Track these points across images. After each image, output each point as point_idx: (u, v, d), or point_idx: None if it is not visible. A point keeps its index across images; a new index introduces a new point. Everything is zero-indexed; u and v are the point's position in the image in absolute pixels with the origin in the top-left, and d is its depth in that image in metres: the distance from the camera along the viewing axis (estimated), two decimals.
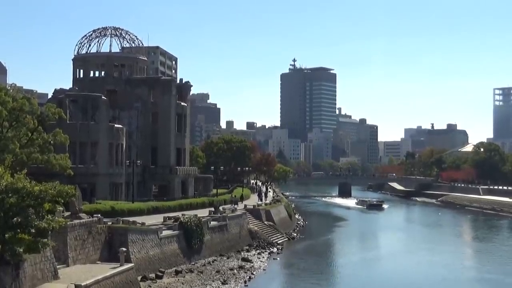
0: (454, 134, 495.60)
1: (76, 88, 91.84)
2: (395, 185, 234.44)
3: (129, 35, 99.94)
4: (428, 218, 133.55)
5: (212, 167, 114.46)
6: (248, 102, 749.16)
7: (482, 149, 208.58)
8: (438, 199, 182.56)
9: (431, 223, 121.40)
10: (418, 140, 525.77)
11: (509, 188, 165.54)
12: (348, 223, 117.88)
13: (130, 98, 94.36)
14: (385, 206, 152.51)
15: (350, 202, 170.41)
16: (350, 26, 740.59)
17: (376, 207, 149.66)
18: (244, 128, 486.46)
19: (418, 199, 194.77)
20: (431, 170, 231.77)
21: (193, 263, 59.00)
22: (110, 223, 51.87)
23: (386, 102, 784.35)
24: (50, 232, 35.06)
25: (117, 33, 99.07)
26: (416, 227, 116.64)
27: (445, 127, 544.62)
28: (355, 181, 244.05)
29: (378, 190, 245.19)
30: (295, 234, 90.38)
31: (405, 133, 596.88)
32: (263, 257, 67.46)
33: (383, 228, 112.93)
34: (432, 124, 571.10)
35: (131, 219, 56.30)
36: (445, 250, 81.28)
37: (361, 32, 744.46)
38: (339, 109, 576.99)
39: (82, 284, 37.29)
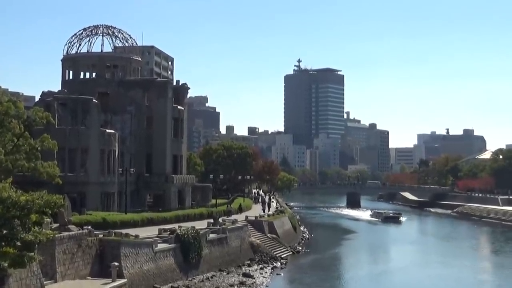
0: (471, 140, 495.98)
1: (65, 91, 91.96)
2: (408, 195, 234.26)
3: (122, 33, 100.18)
4: (443, 230, 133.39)
5: (211, 176, 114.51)
6: (249, 106, 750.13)
7: (501, 156, 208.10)
8: (454, 210, 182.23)
9: (445, 236, 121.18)
10: (432, 146, 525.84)
11: None
12: (357, 236, 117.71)
13: (123, 101, 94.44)
14: (402, 218, 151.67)
15: (361, 214, 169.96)
16: (359, 24, 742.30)
17: (392, 219, 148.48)
18: (245, 133, 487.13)
19: (432, 209, 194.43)
20: (446, 179, 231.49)
21: (190, 278, 58.86)
22: (102, 235, 51.76)
23: (397, 105, 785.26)
24: (37, 245, 35.04)
25: (109, 31, 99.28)
26: (429, 240, 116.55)
27: (461, 132, 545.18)
28: (364, 190, 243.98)
29: (389, 200, 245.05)
30: (300, 248, 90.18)
31: (418, 139, 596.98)
32: (266, 272, 67.34)
33: (394, 241, 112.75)
34: (447, 129, 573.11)
35: (123, 231, 56.17)
36: (459, 264, 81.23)
37: (370, 31, 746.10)
38: (347, 113, 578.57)
39: None
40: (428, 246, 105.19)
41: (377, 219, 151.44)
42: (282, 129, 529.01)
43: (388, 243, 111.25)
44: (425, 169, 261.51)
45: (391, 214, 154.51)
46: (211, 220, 75.60)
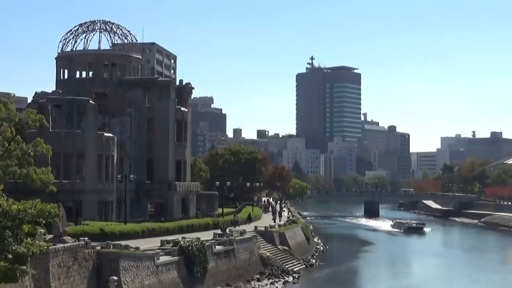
0: (499, 144, 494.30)
1: (60, 91, 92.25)
2: (431, 203, 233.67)
3: (121, 29, 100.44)
4: (469, 242, 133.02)
5: (217, 183, 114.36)
6: (258, 107, 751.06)
7: None
8: (481, 219, 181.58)
9: (471, 247, 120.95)
10: (457, 150, 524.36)
11: None
12: (376, 248, 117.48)
13: (122, 103, 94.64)
14: (426, 229, 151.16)
15: (381, 224, 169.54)
16: (376, 18, 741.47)
17: (415, 230, 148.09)
18: (254, 137, 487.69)
19: (457, 219, 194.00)
20: (472, 185, 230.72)
21: None
22: (99, 247, 51.86)
23: (419, 106, 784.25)
24: (29, 258, 35.11)
25: (107, 27, 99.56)
26: (454, 252, 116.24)
27: (488, 135, 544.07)
28: (383, 198, 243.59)
29: (410, 209, 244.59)
30: (313, 261, 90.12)
31: (442, 142, 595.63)
32: (277, 287, 67.16)
33: (416, 253, 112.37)
34: (473, 132, 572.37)
35: (123, 243, 56.29)
36: (487, 278, 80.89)
37: (389, 26, 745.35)
38: (365, 114, 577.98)
39: None
40: (453, 259, 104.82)
41: (398, 230, 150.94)
42: (294, 132, 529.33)
43: (410, 255, 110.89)
44: (450, 175, 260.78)
45: (414, 225, 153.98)
46: (218, 231, 75.63)
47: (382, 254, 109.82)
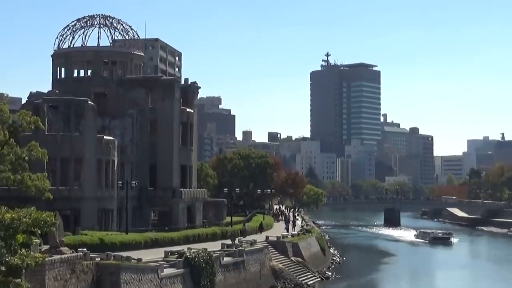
0: None
1: (57, 91, 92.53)
2: (456, 211, 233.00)
3: (122, 24, 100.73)
4: (498, 253, 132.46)
5: (226, 189, 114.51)
6: (269, 108, 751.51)
7: None
8: (511, 228, 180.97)
9: (501, 259, 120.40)
10: (484, 154, 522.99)
11: None
12: (397, 260, 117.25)
13: (123, 103, 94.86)
14: (453, 239, 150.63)
15: (403, 234, 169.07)
16: (397, 12, 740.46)
17: (442, 240, 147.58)
18: (265, 140, 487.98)
19: (485, 228, 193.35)
20: (501, 192, 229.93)
21: None
22: (99, 259, 52.00)
23: (443, 106, 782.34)
24: (24, 270, 35.19)
25: (107, 22, 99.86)
26: (482, 264, 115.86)
27: None
28: (404, 206, 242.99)
29: (434, 217, 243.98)
30: (329, 273, 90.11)
31: (468, 145, 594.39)
32: None
33: (441, 265, 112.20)
34: (503, 134, 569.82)
35: (124, 254, 56.38)
36: None
37: (411, 20, 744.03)
38: (384, 115, 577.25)
39: None
40: (480, 271, 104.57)
41: (423, 240, 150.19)
42: (308, 134, 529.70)
43: (434, 267, 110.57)
44: (477, 180, 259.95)
45: (440, 235, 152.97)
46: (226, 241, 75.63)
47: (404, 266, 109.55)
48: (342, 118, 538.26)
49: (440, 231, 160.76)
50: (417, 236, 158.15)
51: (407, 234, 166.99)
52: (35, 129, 63.98)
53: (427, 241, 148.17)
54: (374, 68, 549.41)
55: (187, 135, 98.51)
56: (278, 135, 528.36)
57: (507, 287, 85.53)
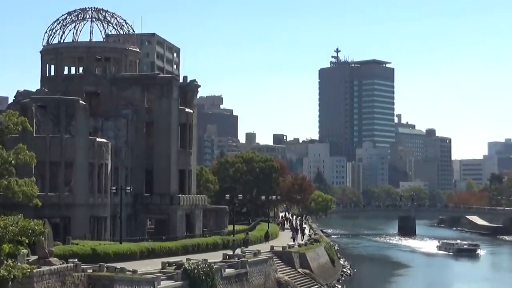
0: None
1: (46, 90, 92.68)
2: (476, 219, 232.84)
3: (116, 18, 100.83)
4: None
5: (227, 196, 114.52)
6: (275, 108, 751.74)
7: None
8: None
9: None
10: (506, 158, 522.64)
11: None
12: (412, 272, 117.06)
13: (117, 103, 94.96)
14: (481, 251, 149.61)
15: (421, 245, 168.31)
16: (411, 5, 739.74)
17: (467, 252, 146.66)
18: (270, 142, 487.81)
19: (506, 237, 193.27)
20: None
21: None
22: (91, 270, 52.08)
23: (462, 106, 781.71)
24: (10, 282, 35.24)
25: (100, 16, 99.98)
26: (505, 276, 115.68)
27: None
28: (420, 213, 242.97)
29: (452, 226, 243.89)
30: (339, 286, 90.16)
31: (489, 148, 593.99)
32: None
33: (460, 278, 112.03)
34: None
35: (118, 265, 56.44)
36: None
37: (426, 13, 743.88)
38: (399, 116, 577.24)
39: None
40: (505, 285, 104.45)
41: (447, 252, 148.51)
42: (316, 137, 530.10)
43: (453, 280, 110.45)
44: (498, 186, 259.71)
45: (465, 246, 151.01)
46: (228, 251, 75.65)
47: (419, 279, 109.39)
48: (353, 119, 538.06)
49: (465, 242, 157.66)
50: (439, 248, 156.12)
51: (426, 245, 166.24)
52: (22, 130, 64.15)
53: (451, 253, 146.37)
54: (387, 65, 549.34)
55: (186, 137, 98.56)
56: (284, 137, 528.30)
57: None
